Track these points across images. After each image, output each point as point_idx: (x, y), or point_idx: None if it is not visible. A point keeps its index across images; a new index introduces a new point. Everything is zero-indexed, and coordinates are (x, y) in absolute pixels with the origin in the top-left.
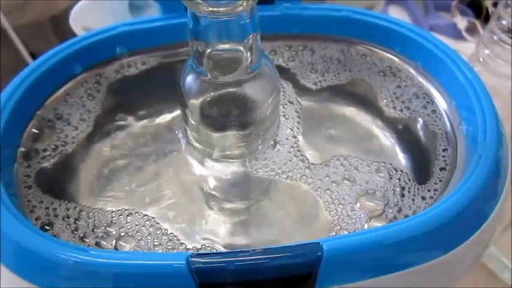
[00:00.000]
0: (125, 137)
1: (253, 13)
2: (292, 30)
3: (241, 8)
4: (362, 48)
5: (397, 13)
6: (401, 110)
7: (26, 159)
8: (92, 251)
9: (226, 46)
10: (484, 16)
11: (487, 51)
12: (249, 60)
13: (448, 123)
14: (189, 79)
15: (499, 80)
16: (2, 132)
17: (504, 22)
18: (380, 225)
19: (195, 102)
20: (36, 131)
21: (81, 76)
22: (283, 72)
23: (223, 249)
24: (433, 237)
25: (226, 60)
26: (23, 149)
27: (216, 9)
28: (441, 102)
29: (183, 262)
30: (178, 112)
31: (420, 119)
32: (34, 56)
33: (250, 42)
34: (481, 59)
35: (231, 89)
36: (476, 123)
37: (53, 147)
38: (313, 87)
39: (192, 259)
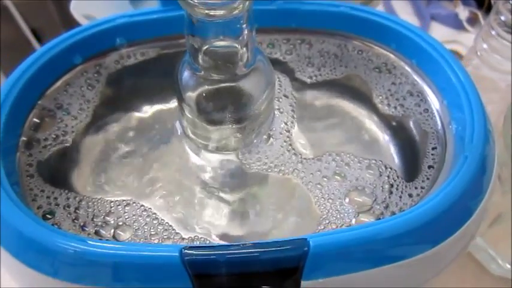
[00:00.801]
0: (123, 127)
1: (249, 12)
2: (290, 24)
3: (237, 11)
4: (359, 44)
5: (399, 2)
6: (395, 108)
7: (27, 148)
8: (91, 241)
9: (222, 43)
10: (486, 7)
11: (485, 46)
12: (245, 56)
13: (439, 122)
14: (186, 74)
15: (497, 74)
16: (5, 122)
17: (503, 18)
18: (367, 220)
19: (191, 96)
20: (38, 121)
21: (81, 66)
22: (280, 65)
23: (216, 239)
24: (418, 234)
25: (222, 57)
26: (24, 138)
27: (212, 12)
28: (434, 101)
29: (177, 254)
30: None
31: (413, 117)
32: (35, 32)
33: (246, 38)
34: (478, 53)
35: (226, 84)
36: (465, 124)
37: (54, 136)
38: (309, 81)
39: (185, 251)
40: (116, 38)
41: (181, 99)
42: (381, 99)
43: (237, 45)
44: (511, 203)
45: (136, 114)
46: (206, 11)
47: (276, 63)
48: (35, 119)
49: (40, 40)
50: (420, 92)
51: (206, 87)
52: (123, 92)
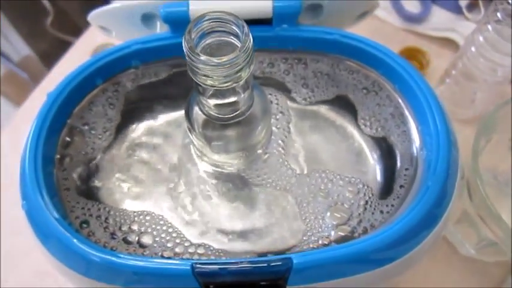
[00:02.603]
0: (140, 143)
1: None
2: (288, 47)
3: (239, 83)
4: (351, 64)
5: None
6: (376, 129)
7: (61, 164)
8: (121, 255)
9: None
10: None
11: (473, 49)
12: (245, 97)
13: (413, 145)
14: (195, 110)
15: (483, 74)
16: (45, 141)
17: (489, 26)
18: (343, 234)
19: (199, 129)
20: (68, 139)
21: (102, 86)
22: (279, 84)
23: (219, 244)
24: (385, 252)
25: (226, 97)
26: (59, 156)
27: (217, 88)
28: (412, 125)
29: (189, 267)
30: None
31: (392, 137)
32: None
33: (247, 84)
34: (468, 54)
35: (230, 121)
36: (432, 151)
37: (83, 153)
38: (303, 102)
39: (195, 265)
40: (132, 61)
41: (190, 129)
42: (365, 120)
43: (239, 90)
44: (477, 208)
45: (153, 130)
46: (211, 82)
47: (275, 82)
48: (66, 138)
49: None
50: (401, 114)
51: (212, 122)
52: (139, 109)
